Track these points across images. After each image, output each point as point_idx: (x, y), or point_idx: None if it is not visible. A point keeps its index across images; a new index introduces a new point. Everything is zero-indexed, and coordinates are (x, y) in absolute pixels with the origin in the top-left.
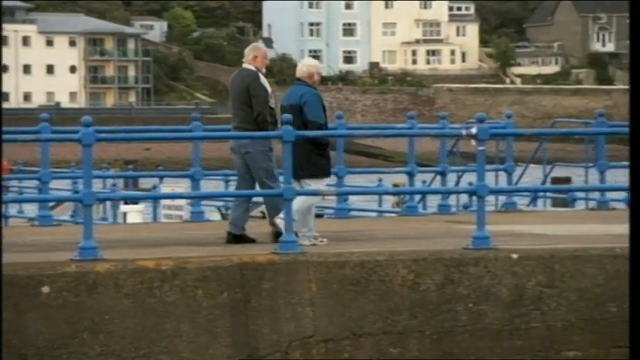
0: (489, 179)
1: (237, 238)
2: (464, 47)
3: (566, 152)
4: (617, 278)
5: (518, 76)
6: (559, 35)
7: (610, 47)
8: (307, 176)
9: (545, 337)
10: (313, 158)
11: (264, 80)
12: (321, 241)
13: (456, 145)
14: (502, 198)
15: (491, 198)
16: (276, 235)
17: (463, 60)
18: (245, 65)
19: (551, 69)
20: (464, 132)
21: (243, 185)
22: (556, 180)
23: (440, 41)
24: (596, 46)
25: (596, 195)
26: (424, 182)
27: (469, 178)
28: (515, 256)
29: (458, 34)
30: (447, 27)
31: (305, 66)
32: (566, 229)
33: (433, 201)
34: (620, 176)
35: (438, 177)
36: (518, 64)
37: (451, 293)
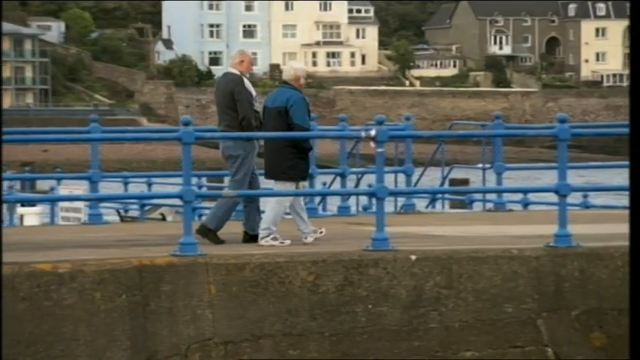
0: (389, 181)
1: (254, 238)
2: (364, 49)
3: (465, 154)
4: (513, 279)
5: (418, 78)
6: (457, 38)
7: (507, 50)
8: (286, 179)
9: (443, 337)
10: (294, 162)
11: (248, 84)
12: (321, 232)
13: (356, 146)
14: (401, 199)
15: (390, 199)
16: (249, 237)
17: (363, 62)
18: (230, 69)
19: (450, 71)
20: (363, 134)
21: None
22: (454, 182)
23: (340, 43)
24: (494, 49)
25: (494, 196)
26: (324, 184)
27: (369, 180)
28: (413, 257)
29: (358, 37)
30: (346, 29)
31: (292, 69)
32: (464, 231)
33: (333, 203)
34: (516, 178)
35: (338, 178)
36: (418, 67)
37: (350, 295)
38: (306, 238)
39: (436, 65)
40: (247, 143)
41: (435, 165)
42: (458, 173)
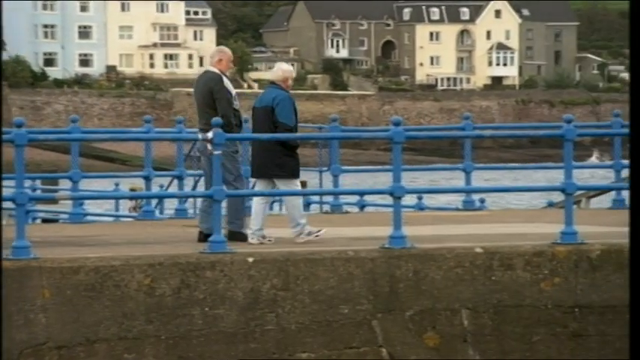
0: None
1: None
2: (201, 51)
3: (303, 156)
4: (349, 280)
5: (256, 80)
6: (295, 41)
7: (344, 53)
8: (276, 177)
9: (280, 339)
10: (282, 159)
11: (227, 83)
12: (269, 240)
13: (193, 149)
14: None
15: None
16: (203, 236)
17: (201, 64)
18: (209, 68)
19: None
20: (200, 136)
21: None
22: None
23: (177, 45)
24: (331, 52)
25: (330, 198)
26: (161, 186)
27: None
28: (251, 259)
29: (195, 39)
30: (184, 31)
31: (280, 70)
32: None
33: (170, 205)
34: (354, 179)
35: (176, 181)
36: (256, 69)
37: (187, 297)
38: (299, 238)
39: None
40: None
41: None
42: None
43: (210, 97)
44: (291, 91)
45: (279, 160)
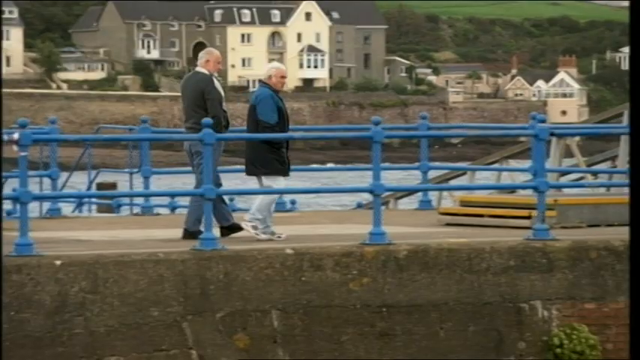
0: (34, 185)
1: (230, 229)
2: (9, 51)
3: (114, 158)
4: (159, 283)
5: (65, 81)
6: (105, 41)
7: (155, 54)
8: (262, 173)
9: (88, 342)
10: (266, 156)
11: (217, 84)
12: (278, 237)
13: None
14: (48, 204)
15: (36, 204)
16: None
17: (8, 64)
18: (198, 69)
19: (98, 75)
20: (6, 137)
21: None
22: (101, 186)
23: None
24: (142, 53)
25: (142, 200)
26: None
27: (13, 184)
28: (58, 262)
29: (2, 38)
30: None
31: (266, 68)
32: (111, 235)
33: None
34: (165, 181)
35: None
36: (65, 70)
37: None
38: (260, 235)
39: (84, 68)
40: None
41: (81, 169)
42: (106, 177)
43: (201, 97)
44: (100, 92)
45: (262, 157)
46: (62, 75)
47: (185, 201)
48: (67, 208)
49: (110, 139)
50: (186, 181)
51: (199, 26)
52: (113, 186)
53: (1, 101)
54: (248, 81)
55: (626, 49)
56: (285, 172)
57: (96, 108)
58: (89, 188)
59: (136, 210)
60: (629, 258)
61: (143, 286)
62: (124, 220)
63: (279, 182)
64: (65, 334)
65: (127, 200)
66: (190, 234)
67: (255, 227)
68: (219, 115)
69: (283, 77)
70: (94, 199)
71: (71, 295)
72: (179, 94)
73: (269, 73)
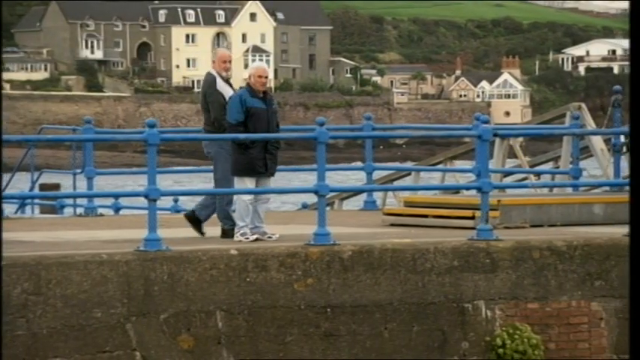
0: None
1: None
2: None
3: (58, 159)
4: (103, 284)
5: (8, 81)
6: (48, 41)
7: (99, 54)
8: (232, 173)
9: (30, 344)
10: (235, 157)
11: (220, 85)
12: (269, 237)
13: None
14: None
15: None
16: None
17: None
18: (210, 69)
19: (41, 75)
20: None
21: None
22: (45, 186)
23: None
24: (86, 53)
25: (85, 201)
26: None
27: None
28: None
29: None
30: None
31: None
32: (54, 236)
33: None
34: (109, 182)
35: None
36: (8, 70)
37: None
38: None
39: (27, 69)
40: (221, 142)
41: (24, 169)
42: (49, 178)
43: (205, 99)
44: (43, 92)
45: (232, 157)
46: (5, 75)
47: (128, 202)
48: (9, 208)
49: (53, 140)
50: (128, 182)
51: (143, 26)
52: (56, 187)
53: (1, 101)
54: (193, 81)
55: (569, 50)
56: (249, 172)
57: (39, 108)
58: (32, 189)
59: (80, 211)
60: (629, 258)
61: (86, 288)
62: (67, 221)
63: (244, 183)
64: (7, 336)
65: (70, 201)
66: (225, 232)
67: (244, 234)
68: (220, 116)
69: (261, 77)
70: (36, 200)
71: (13, 296)
72: (124, 94)
73: (248, 73)
